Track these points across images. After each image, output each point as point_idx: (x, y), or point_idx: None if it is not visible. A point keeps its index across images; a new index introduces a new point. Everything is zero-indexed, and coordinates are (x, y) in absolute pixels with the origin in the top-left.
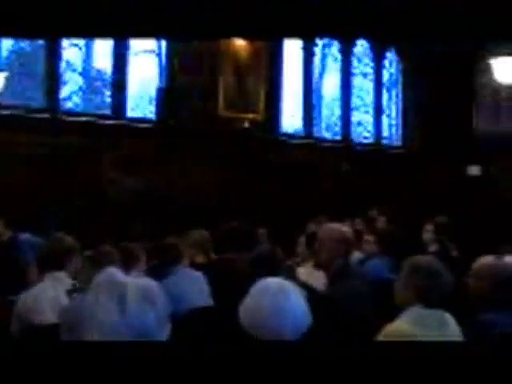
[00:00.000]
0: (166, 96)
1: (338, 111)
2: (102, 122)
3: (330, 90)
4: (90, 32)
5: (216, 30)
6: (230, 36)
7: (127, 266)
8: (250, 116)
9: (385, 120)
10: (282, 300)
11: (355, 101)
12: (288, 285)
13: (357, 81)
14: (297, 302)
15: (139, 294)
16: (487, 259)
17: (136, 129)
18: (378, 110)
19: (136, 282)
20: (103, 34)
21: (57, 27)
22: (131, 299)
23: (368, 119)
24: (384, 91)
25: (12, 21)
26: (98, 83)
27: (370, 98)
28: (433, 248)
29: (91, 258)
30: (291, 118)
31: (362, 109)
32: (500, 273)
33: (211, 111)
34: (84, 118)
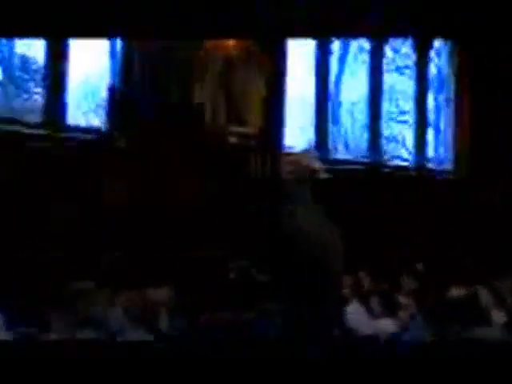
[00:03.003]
0: (121, 99)
1: (363, 123)
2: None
3: (351, 94)
4: (89, 32)
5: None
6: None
7: None
8: (241, 129)
9: (430, 135)
10: None
11: (388, 109)
12: None
13: (391, 80)
14: None
15: None
16: None
17: (77, 142)
18: (422, 122)
19: None
20: (102, 34)
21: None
22: None
23: (407, 134)
24: (430, 95)
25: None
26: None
27: (409, 105)
28: None
29: None
30: (297, 133)
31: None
32: None
33: (187, 122)
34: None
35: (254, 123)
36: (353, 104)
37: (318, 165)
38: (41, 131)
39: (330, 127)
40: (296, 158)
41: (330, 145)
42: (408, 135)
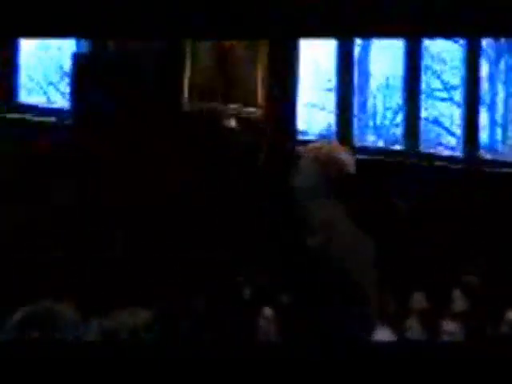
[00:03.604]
0: (90, 69)
1: (397, 101)
2: None
3: (382, 64)
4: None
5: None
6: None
7: None
8: (242, 109)
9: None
10: None
11: (432, 82)
12: None
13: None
14: None
15: None
16: None
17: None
18: (470, 99)
19: None
20: (102, 34)
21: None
22: None
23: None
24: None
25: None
26: None
27: (456, 79)
28: None
29: None
30: (315, 114)
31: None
32: None
33: (171, 99)
34: None
35: (261, 104)
36: (386, 77)
37: (348, 157)
38: None
39: (356, 109)
40: (323, 149)
41: (356, 130)
42: (454, 116)
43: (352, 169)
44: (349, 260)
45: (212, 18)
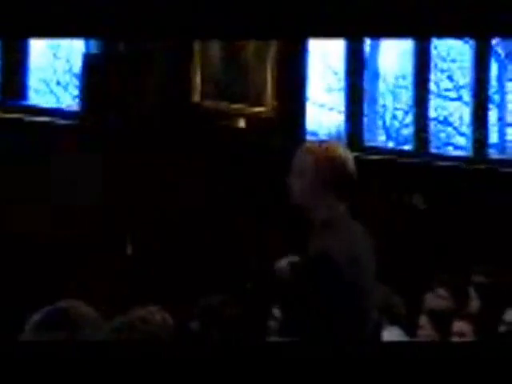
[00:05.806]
0: (100, 70)
1: (406, 103)
2: None
3: (391, 65)
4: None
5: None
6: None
7: None
8: (250, 109)
9: (493, 115)
10: None
11: (441, 83)
12: None
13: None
14: None
15: None
16: None
17: (50, 125)
18: (480, 99)
19: None
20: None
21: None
22: None
23: (463, 114)
24: (492, 61)
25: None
26: None
27: (466, 79)
28: None
29: None
30: (325, 115)
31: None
32: None
33: (181, 99)
34: None
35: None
36: (395, 77)
37: (346, 155)
38: None
39: (366, 107)
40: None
41: (366, 130)
42: (464, 116)
43: (350, 167)
44: (351, 263)
45: (221, 18)
